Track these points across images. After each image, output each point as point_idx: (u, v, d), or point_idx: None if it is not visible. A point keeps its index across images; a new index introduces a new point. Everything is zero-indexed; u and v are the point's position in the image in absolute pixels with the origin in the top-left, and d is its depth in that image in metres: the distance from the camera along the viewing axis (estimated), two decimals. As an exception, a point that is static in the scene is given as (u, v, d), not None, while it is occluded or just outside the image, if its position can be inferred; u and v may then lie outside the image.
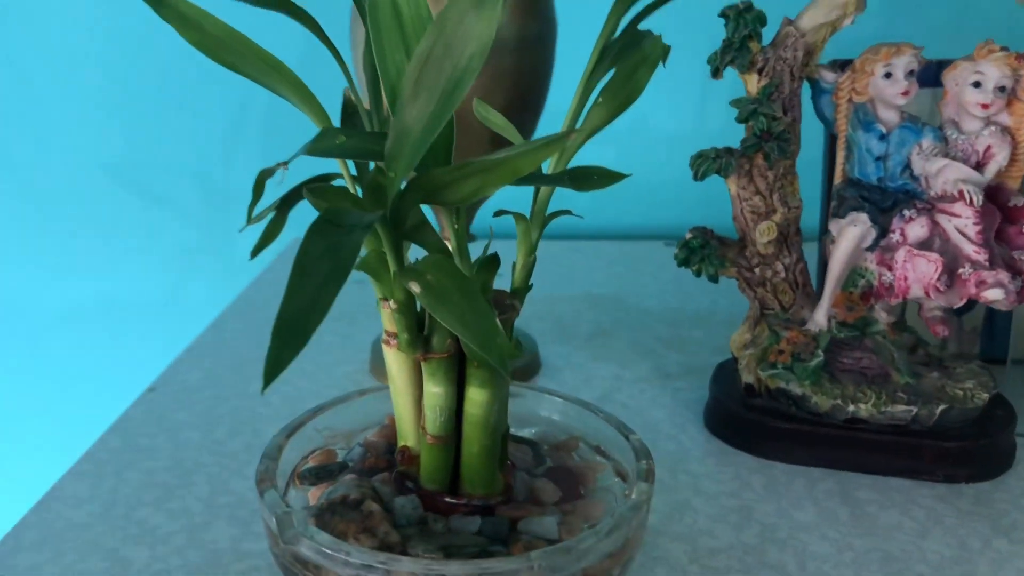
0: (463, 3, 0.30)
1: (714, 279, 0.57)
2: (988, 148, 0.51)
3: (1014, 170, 0.52)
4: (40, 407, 1.16)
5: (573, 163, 0.39)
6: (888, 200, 0.53)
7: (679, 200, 1.05)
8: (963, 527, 0.49)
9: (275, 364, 0.25)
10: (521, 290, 0.40)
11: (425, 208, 0.40)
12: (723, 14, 0.54)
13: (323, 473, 0.42)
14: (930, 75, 0.54)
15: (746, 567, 0.46)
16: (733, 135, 0.57)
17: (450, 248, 0.37)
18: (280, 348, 0.25)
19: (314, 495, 0.41)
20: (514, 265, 0.40)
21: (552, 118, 0.63)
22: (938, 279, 0.51)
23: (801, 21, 0.53)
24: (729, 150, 0.56)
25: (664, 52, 0.40)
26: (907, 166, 0.53)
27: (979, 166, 0.52)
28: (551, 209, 0.40)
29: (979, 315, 0.67)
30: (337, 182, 0.40)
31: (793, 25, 0.53)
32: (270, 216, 0.39)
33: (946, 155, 0.52)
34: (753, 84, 0.54)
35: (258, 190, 0.37)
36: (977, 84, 0.51)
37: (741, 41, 0.53)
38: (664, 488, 0.53)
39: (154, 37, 1.01)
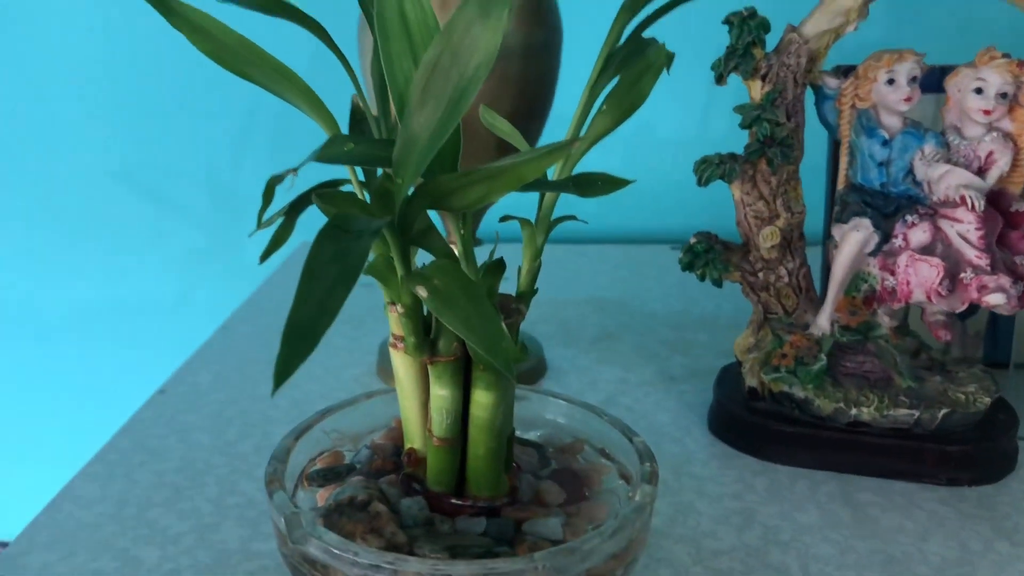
0: (470, 13, 0.31)
1: (718, 283, 0.57)
2: (990, 154, 0.52)
3: (1016, 175, 0.52)
4: (51, 409, 1.17)
5: (578, 169, 0.39)
6: (891, 205, 0.54)
7: (684, 205, 1.05)
8: (965, 530, 0.49)
9: (285, 367, 0.25)
10: (527, 294, 0.40)
11: (432, 214, 0.40)
12: (727, 21, 0.54)
13: (331, 475, 0.43)
14: (933, 81, 0.54)
15: (749, 569, 0.46)
16: (737, 141, 0.57)
17: (456, 253, 0.37)
18: (290, 352, 0.26)
19: (322, 496, 0.41)
20: (520, 269, 0.41)
21: (557, 124, 0.63)
22: (940, 284, 0.51)
23: (804, 28, 0.54)
24: (733, 156, 0.56)
25: (668, 59, 0.40)
26: (909, 171, 0.53)
27: (981, 172, 0.52)
28: (556, 214, 0.40)
29: (982, 319, 0.67)
30: (345, 188, 0.41)
31: (796, 32, 0.54)
32: (279, 221, 0.40)
33: (948, 161, 0.52)
34: (757, 90, 0.55)
35: (268, 196, 0.38)
36: (979, 90, 0.51)
37: (745, 48, 0.54)
38: (668, 490, 0.53)
39: (164, 44, 1.02)
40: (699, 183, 0.56)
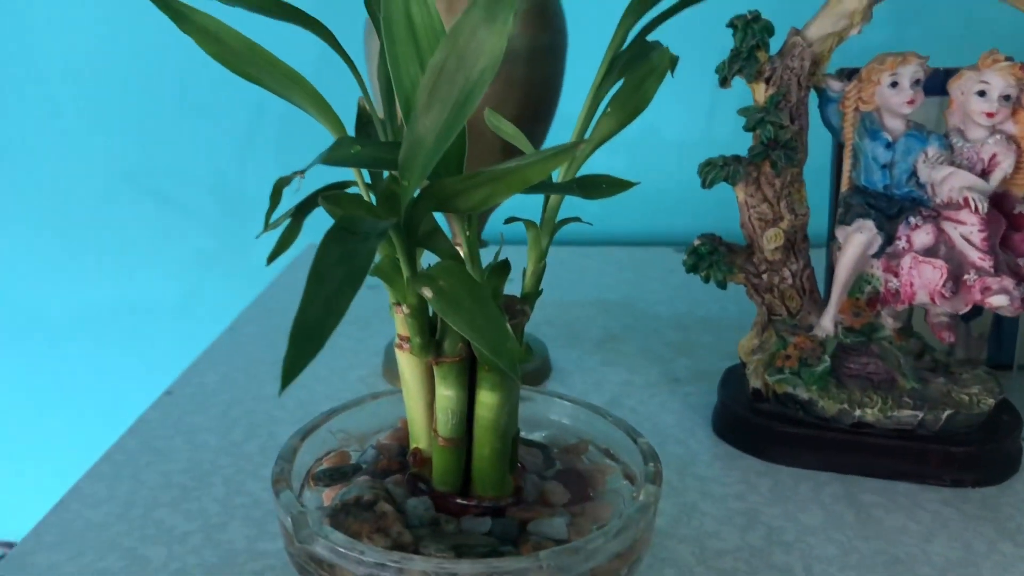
0: (475, 17, 0.31)
1: (722, 285, 0.57)
2: (993, 156, 0.52)
3: (1019, 178, 0.53)
4: (59, 411, 1.18)
5: (583, 171, 0.40)
6: (894, 207, 0.54)
7: (688, 207, 1.06)
8: (968, 531, 0.50)
9: (292, 367, 0.26)
10: (531, 295, 0.41)
11: (438, 216, 0.41)
12: (731, 24, 0.55)
13: (337, 475, 0.43)
14: (936, 84, 0.55)
15: (752, 569, 0.46)
16: (741, 143, 0.57)
17: (462, 254, 0.37)
18: (297, 352, 0.26)
19: (328, 496, 0.42)
20: (524, 271, 0.41)
21: (562, 127, 0.64)
22: (943, 285, 0.51)
23: (808, 31, 0.54)
24: (737, 158, 0.56)
25: (672, 63, 0.41)
26: (913, 174, 0.53)
27: (984, 174, 0.52)
28: (561, 216, 0.41)
29: (986, 321, 0.67)
30: (351, 190, 0.41)
31: (800, 35, 0.54)
32: (286, 223, 0.40)
33: (951, 163, 0.52)
34: (760, 93, 0.55)
35: (275, 198, 0.38)
36: (982, 93, 0.51)
37: (749, 51, 0.54)
38: (672, 491, 0.53)
39: (171, 47, 1.02)
40: (703, 185, 0.56)
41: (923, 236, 0.53)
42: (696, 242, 0.58)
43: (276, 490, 0.39)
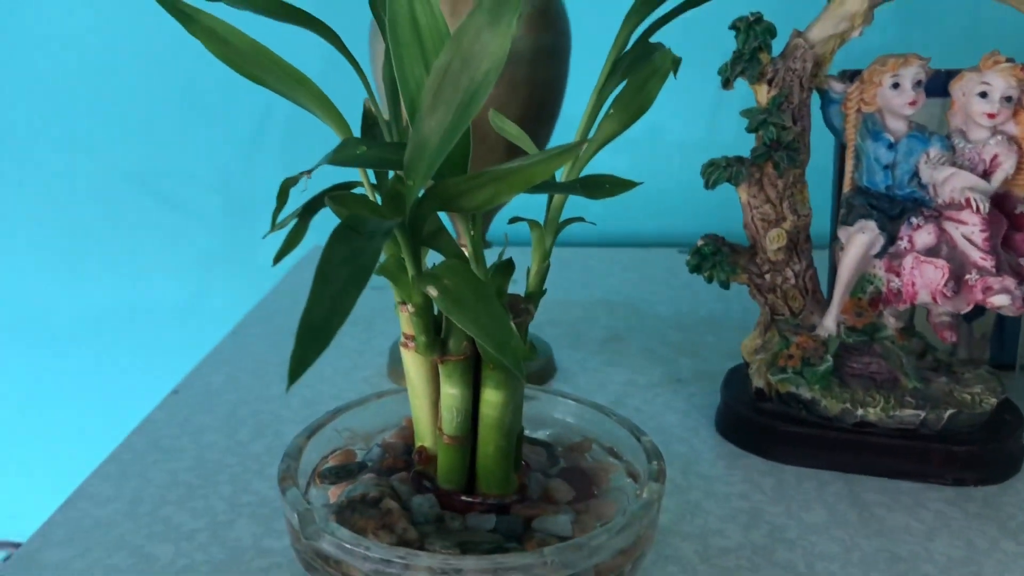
0: (479, 19, 0.31)
1: (725, 285, 0.58)
2: (995, 157, 0.52)
3: (1020, 178, 0.53)
4: (66, 410, 1.18)
5: (586, 172, 0.40)
6: (896, 208, 0.54)
7: (691, 208, 1.06)
8: (971, 529, 0.50)
9: (299, 364, 0.26)
10: (535, 295, 0.41)
11: (444, 217, 0.41)
12: (734, 26, 0.55)
13: (343, 472, 0.43)
14: (938, 85, 0.55)
15: (755, 566, 0.47)
16: (745, 145, 0.58)
17: (466, 254, 0.38)
18: (304, 349, 0.26)
19: (334, 494, 0.42)
20: (529, 271, 0.41)
21: (566, 128, 0.64)
22: (945, 285, 0.52)
23: (810, 33, 0.54)
24: (740, 159, 0.57)
25: (675, 64, 0.41)
26: (915, 174, 0.54)
27: (986, 174, 0.52)
28: (564, 216, 0.41)
29: (989, 321, 0.67)
30: (357, 191, 0.41)
31: (802, 37, 0.55)
32: (292, 223, 0.41)
33: (953, 164, 0.53)
34: (763, 94, 0.55)
35: (282, 198, 0.38)
36: (984, 94, 0.51)
37: (751, 53, 0.55)
38: (676, 489, 0.54)
39: (177, 49, 1.03)
40: (706, 186, 0.56)
41: (925, 236, 0.53)
42: (699, 242, 0.58)
43: (282, 487, 0.40)
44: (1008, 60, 0.51)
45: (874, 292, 0.56)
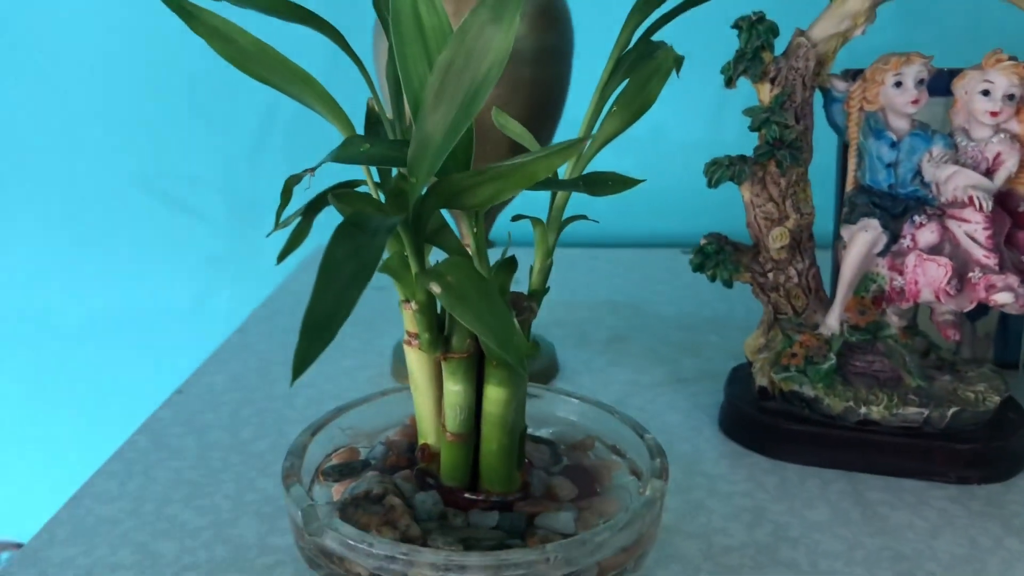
0: (482, 16, 0.32)
1: (728, 284, 0.58)
2: (998, 155, 0.52)
3: (1023, 176, 0.53)
4: (72, 410, 1.18)
5: (589, 171, 0.40)
6: (899, 206, 0.54)
7: (695, 209, 1.06)
8: (974, 527, 0.50)
9: (303, 359, 0.26)
10: (538, 293, 0.41)
11: (448, 217, 0.41)
12: (736, 25, 0.55)
13: (346, 470, 0.44)
14: (941, 84, 0.55)
15: (759, 565, 0.47)
16: (747, 145, 0.58)
17: (469, 251, 0.38)
18: (308, 344, 0.26)
19: (337, 491, 0.42)
20: (531, 269, 0.41)
21: (568, 128, 0.64)
22: (948, 283, 0.52)
23: (812, 32, 0.55)
24: (742, 158, 0.57)
25: (677, 62, 0.41)
26: (917, 173, 0.54)
27: (989, 173, 0.52)
28: (569, 218, 0.41)
29: (992, 320, 0.67)
30: (361, 189, 0.42)
31: (805, 36, 0.55)
32: (296, 222, 0.41)
33: (956, 162, 0.53)
34: (766, 93, 0.55)
35: (286, 196, 0.38)
36: (986, 92, 0.51)
37: (754, 51, 0.55)
38: (679, 488, 0.54)
39: (181, 50, 1.03)
40: (709, 184, 0.56)
41: (928, 234, 0.53)
42: (702, 241, 0.58)
43: (286, 484, 0.40)
44: (1011, 58, 0.51)
45: (877, 290, 0.56)
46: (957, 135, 0.53)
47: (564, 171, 0.40)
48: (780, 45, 0.55)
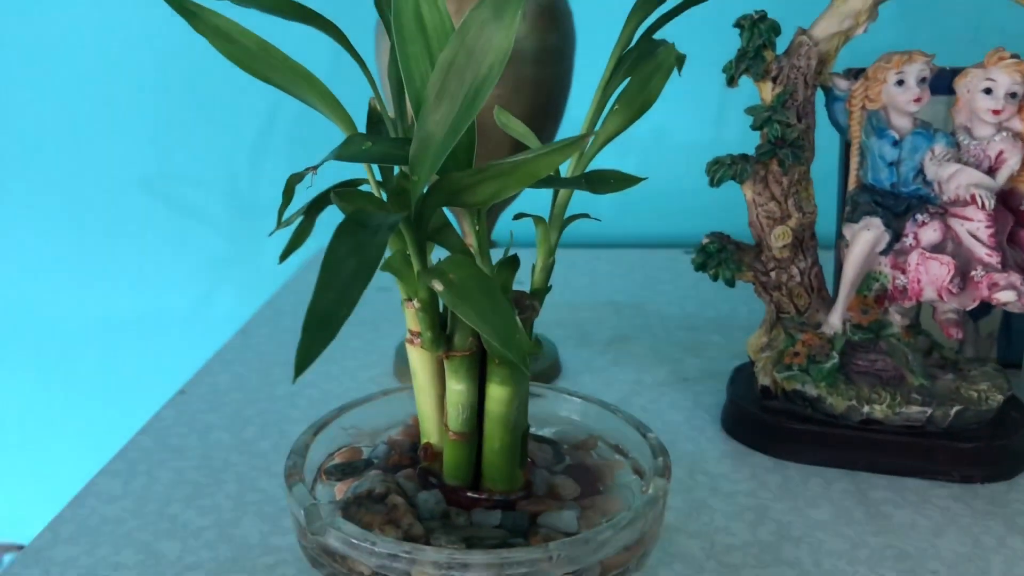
0: (483, 13, 0.32)
1: (731, 283, 0.58)
2: (1000, 153, 0.52)
3: (1026, 174, 0.53)
4: (75, 411, 1.18)
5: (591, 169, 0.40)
6: (901, 205, 0.54)
7: (698, 209, 1.06)
8: (977, 526, 0.50)
9: (306, 355, 0.26)
10: (540, 291, 0.41)
11: (450, 217, 0.41)
12: (738, 24, 0.55)
13: (349, 469, 0.44)
14: (943, 83, 0.55)
15: (762, 563, 0.47)
16: (749, 146, 0.58)
17: (471, 249, 0.38)
18: (311, 340, 0.26)
19: (340, 490, 0.42)
20: (533, 267, 0.41)
21: (571, 127, 0.64)
22: (951, 281, 0.52)
23: (814, 30, 0.54)
24: (744, 156, 0.57)
25: (679, 60, 0.41)
26: (920, 171, 0.54)
27: (991, 171, 0.52)
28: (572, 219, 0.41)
29: (995, 320, 0.67)
30: (363, 188, 0.42)
31: (807, 34, 0.55)
32: (298, 221, 0.41)
33: (958, 160, 0.53)
34: (767, 92, 0.55)
35: (288, 194, 0.38)
36: (988, 91, 0.51)
37: (756, 50, 0.55)
38: (682, 488, 0.54)
39: (183, 52, 1.03)
40: (711, 183, 0.56)
41: (930, 233, 0.53)
42: (704, 240, 0.58)
43: (289, 483, 0.40)
44: (1013, 56, 0.51)
45: (880, 289, 0.56)
46: (959, 133, 0.53)
47: (566, 170, 0.40)
48: (782, 44, 0.55)
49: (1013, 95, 0.51)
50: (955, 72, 0.54)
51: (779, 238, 0.57)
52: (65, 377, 1.18)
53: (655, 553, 0.47)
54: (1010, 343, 0.67)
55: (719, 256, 0.57)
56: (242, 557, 0.47)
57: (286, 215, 0.40)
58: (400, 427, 0.47)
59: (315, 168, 0.36)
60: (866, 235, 0.55)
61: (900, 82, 0.53)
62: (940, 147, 0.53)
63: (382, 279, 0.41)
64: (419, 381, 0.41)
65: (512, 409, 0.39)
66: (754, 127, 0.56)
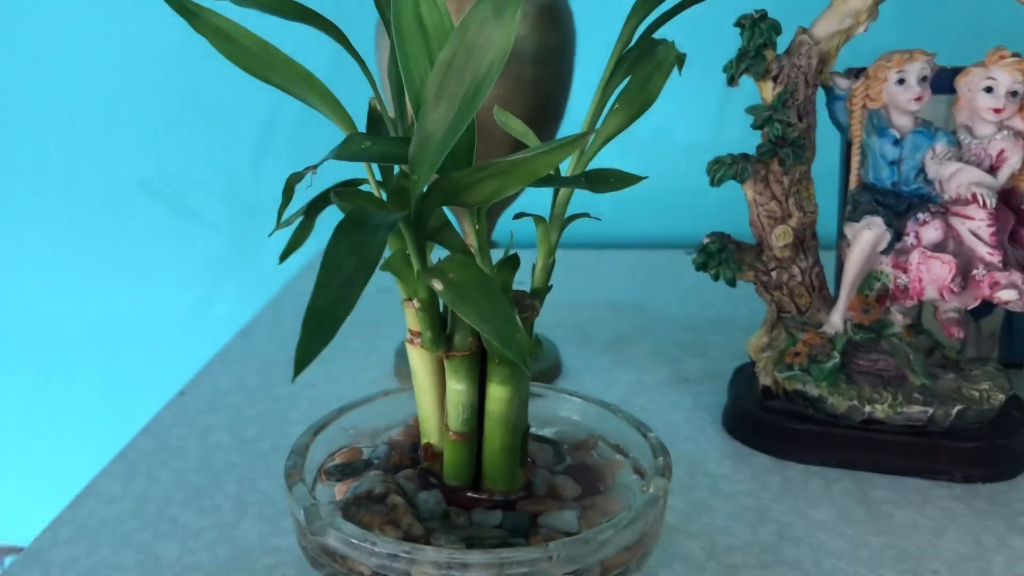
0: (483, 12, 0.31)
1: (731, 283, 0.58)
2: (1001, 152, 0.52)
3: (1027, 174, 0.53)
4: (75, 411, 1.18)
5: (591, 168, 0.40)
6: (902, 204, 0.54)
7: (698, 210, 1.06)
8: (978, 526, 0.50)
9: (305, 353, 0.26)
10: (541, 291, 0.41)
11: (451, 216, 0.41)
12: (739, 23, 0.55)
13: (349, 470, 0.43)
14: (944, 83, 0.55)
15: (762, 564, 0.46)
16: (751, 144, 0.58)
17: (472, 249, 0.38)
18: (310, 338, 0.26)
19: (340, 491, 0.42)
20: (534, 267, 0.41)
21: (571, 127, 0.64)
22: (952, 281, 0.52)
23: (815, 29, 0.54)
24: (745, 156, 0.57)
25: (679, 59, 0.41)
26: (921, 170, 0.54)
27: (992, 170, 0.52)
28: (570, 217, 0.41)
29: (997, 320, 0.67)
30: (363, 187, 0.41)
31: (807, 33, 0.55)
32: (298, 221, 0.41)
33: (959, 159, 0.53)
34: (768, 91, 0.55)
35: (288, 194, 0.38)
36: (989, 89, 0.51)
37: (756, 49, 0.54)
38: (682, 488, 0.53)
39: (184, 53, 1.03)
40: (712, 183, 0.56)
41: (932, 232, 0.53)
42: (705, 240, 0.58)
43: (289, 484, 0.40)
44: (1014, 55, 0.51)
45: (881, 289, 0.56)
46: (960, 132, 0.53)
47: (566, 170, 0.40)
48: (782, 43, 0.55)
49: (1014, 94, 0.51)
50: (956, 71, 0.54)
51: (780, 237, 0.57)
52: (65, 377, 1.17)
53: (655, 553, 0.47)
54: (1012, 342, 0.67)
55: (720, 256, 0.57)
56: (242, 558, 0.47)
57: (286, 215, 0.40)
58: (400, 427, 0.47)
59: (315, 167, 0.36)
60: (867, 234, 0.55)
61: (901, 81, 0.53)
62: (941, 146, 0.53)
63: (382, 280, 0.41)
64: (419, 381, 0.41)
65: (512, 409, 0.39)
66: (755, 126, 0.56)
